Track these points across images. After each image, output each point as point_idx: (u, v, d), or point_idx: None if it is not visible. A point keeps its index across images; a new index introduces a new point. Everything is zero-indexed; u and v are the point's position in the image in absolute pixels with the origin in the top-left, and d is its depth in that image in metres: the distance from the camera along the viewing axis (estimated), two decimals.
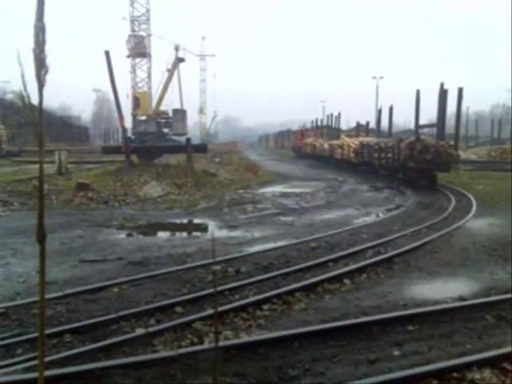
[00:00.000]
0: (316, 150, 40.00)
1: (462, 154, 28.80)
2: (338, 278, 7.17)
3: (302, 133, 53.09)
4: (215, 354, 2.80)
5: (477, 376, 4.20)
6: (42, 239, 1.34)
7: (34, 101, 1.47)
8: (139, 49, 44.61)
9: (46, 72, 1.34)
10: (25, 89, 1.32)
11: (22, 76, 1.31)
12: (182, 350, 4.66)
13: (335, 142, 33.99)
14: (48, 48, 1.34)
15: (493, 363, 4.40)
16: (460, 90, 23.53)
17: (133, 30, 44.82)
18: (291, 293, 6.49)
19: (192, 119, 71.88)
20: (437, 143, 19.41)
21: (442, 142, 20.30)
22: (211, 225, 12.22)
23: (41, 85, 1.32)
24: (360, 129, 38.06)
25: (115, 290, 6.66)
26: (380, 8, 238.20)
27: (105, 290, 6.64)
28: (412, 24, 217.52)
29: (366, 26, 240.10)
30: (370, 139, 27.77)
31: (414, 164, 18.80)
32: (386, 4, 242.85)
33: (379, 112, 35.00)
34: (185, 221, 13.08)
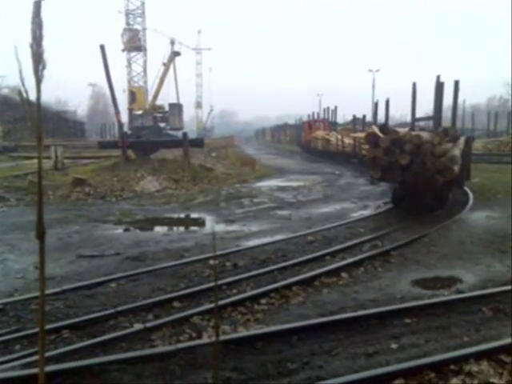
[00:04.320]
0: (330, 145, 32.56)
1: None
2: (336, 272, 7.18)
3: (310, 124, 43.95)
4: (215, 348, 2.80)
5: (474, 368, 4.22)
6: (41, 235, 1.34)
7: (32, 96, 1.47)
8: (134, 42, 44.48)
9: (44, 67, 1.33)
10: (23, 84, 1.31)
11: (20, 71, 1.31)
12: (180, 345, 4.66)
13: (360, 135, 25.59)
14: (44, 42, 1.34)
15: (490, 355, 4.42)
16: (456, 83, 23.50)
17: (128, 24, 44.65)
18: (289, 287, 6.51)
19: (188, 113, 71.83)
20: (417, 136, 11.44)
21: (429, 132, 12.82)
22: (209, 219, 12.22)
23: (38, 80, 1.31)
24: (356, 122, 37.98)
25: (113, 285, 6.66)
26: (377, 3, 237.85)
27: (102, 285, 6.64)
28: (409, 18, 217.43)
29: (364, 20, 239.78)
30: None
31: (378, 174, 11.90)
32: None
33: (376, 105, 34.94)
34: (182, 215, 13.08)
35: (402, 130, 13.00)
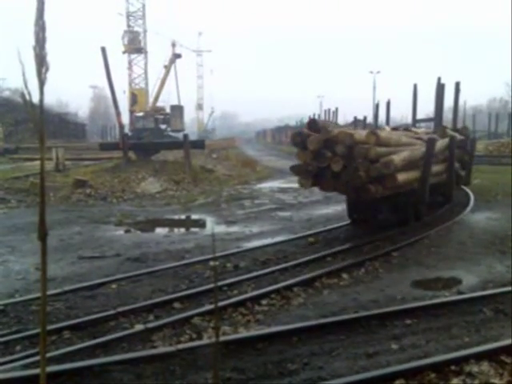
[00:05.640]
0: None
1: None
2: (337, 273, 7.19)
3: None
4: (215, 349, 2.81)
5: (475, 369, 4.22)
6: (43, 237, 1.35)
7: (34, 98, 1.48)
8: (135, 45, 44.45)
9: (47, 69, 1.34)
10: (26, 86, 1.32)
11: (23, 74, 1.32)
12: (180, 346, 4.67)
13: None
14: (48, 45, 1.35)
15: (491, 356, 4.42)
16: (457, 84, 23.60)
17: (128, 26, 44.63)
18: (289, 288, 6.51)
19: (189, 115, 71.85)
20: (349, 135, 9.02)
21: (368, 129, 10.82)
22: (210, 220, 12.22)
23: (41, 82, 1.33)
24: (357, 123, 37.93)
25: (114, 286, 6.67)
26: (380, 7, 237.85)
27: (103, 286, 6.65)
28: (411, 21, 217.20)
29: (366, 22, 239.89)
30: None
31: (309, 181, 9.48)
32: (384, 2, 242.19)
33: (377, 107, 34.98)
34: (183, 217, 13.09)
35: (338, 128, 10.44)
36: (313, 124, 9.53)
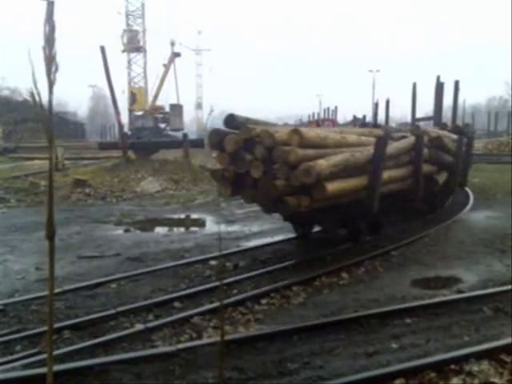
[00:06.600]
0: None
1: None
2: (336, 272, 7.19)
3: (318, 124, 37.61)
4: (220, 348, 2.81)
5: (475, 368, 4.22)
6: (51, 236, 1.36)
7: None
8: (134, 43, 44.46)
9: (57, 69, 1.34)
10: (35, 86, 1.32)
11: (33, 74, 1.32)
12: (180, 346, 4.67)
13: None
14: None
15: (491, 355, 4.42)
16: (456, 83, 23.64)
17: (128, 25, 44.63)
18: (289, 287, 6.52)
19: (188, 114, 71.75)
20: (269, 134, 7.27)
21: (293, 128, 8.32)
22: (209, 220, 12.22)
23: (51, 82, 1.33)
24: (356, 122, 37.87)
25: (113, 285, 6.67)
26: (378, 5, 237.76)
27: (103, 285, 6.65)
28: (411, 19, 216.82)
29: (365, 20, 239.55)
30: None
31: (228, 190, 7.89)
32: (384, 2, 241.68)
33: (376, 105, 34.95)
34: (182, 216, 13.08)
35: (261, 126, 8.03)
36: (231, 120, 7.86)
